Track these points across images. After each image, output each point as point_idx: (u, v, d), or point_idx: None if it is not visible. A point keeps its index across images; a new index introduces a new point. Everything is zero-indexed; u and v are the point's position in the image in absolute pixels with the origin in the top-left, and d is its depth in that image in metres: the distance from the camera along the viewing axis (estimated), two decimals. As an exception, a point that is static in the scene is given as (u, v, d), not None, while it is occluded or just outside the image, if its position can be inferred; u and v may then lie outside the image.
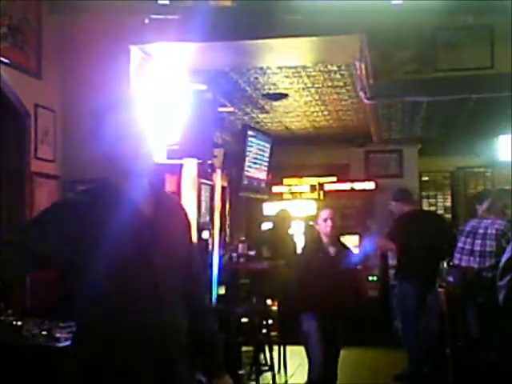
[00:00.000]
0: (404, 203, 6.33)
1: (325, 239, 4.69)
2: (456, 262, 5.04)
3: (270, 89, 6.71)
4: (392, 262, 8.90)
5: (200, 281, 2.38)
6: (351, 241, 9.10)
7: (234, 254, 7.13)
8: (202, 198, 7.50)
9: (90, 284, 2.05)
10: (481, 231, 4.92)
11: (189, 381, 2.19)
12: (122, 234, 2.04)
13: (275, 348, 6.32)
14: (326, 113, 8.02)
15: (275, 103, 7.39)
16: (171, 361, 2.08)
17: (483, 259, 4.81)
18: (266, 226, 8.49)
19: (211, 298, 5.23)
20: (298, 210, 8.80)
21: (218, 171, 8.42)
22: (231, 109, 7.50)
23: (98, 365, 2.05)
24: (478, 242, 4.89)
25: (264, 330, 6.06)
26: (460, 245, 5.05)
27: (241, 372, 5.32)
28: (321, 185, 9.64)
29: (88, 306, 2.08)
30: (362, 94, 5.70)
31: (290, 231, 7.85)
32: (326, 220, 4.64)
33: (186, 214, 2.33)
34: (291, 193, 9.95)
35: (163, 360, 2.06)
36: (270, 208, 9.28)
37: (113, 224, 2.04)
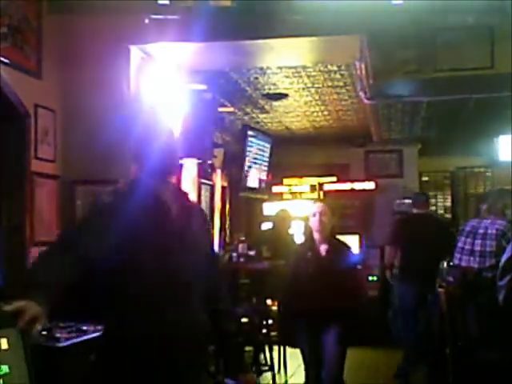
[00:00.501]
0: (415, 206, 6.45)
1: (316, 236, 4.28)
2: (456, 261, 5.04)
3: (270, 89, 6.71)
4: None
5: (219, 283, 2.52)
6: (351, 241, 9.15)
7: (234, 254, 7.12)
8: (202, 197, 7.50)
9: (124, 281, 2.16)
10: (481, 231, 4.92)
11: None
12: (151, 231, 2.17)
13: (275, 348, 6.32)
14: (326, 113, 8.02)
15: (275, 103, 7.39)
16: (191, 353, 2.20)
17: (483, 259, 4.81)
18: (266, 226, 8.48)
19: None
20: (298, 210, 8.79)
21: (218, 171, 8.43)
22: (231, 109, 7.50)
23: (128, 359, 2.15)
24: (478, 241, 4.89)
25: (264, 330, 6.06)
26: (460, 245, 5.05)
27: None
28: (321, 185, 9.64)
29: (122, 303, 2.18)
30: (362, 94, 5.70)
31: (290, 231, 7.85)
32: (315, 215, 4.26)
33: (206, 217, 2.49)
34: (291, 193, 9.95)
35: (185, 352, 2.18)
36: (270, 208, 9.28)
37: (143, 222, 2.16)
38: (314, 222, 4.27)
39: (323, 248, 4.29)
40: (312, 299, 4.08)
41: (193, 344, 2.21)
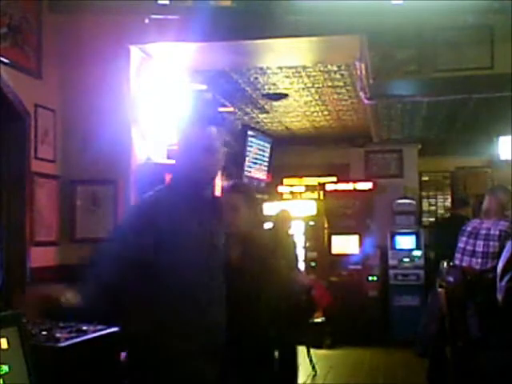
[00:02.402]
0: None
1: None
2: (457, 262, 5.02)
3: (270, 89, 6.71)
4: (392, 262, 8.95)
5: None
6: (351, 241, 9.15)
7: (234, 254, 7.11)
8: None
9: (157, 282, 2.21)
10: (483, 232, 4.90)
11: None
12: (185, 234, 2.25)
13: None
14: (326, 113, 8.02)
15: (275, 103, 7.39)
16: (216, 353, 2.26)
17: (485, 260, 4.79)
18: (266, 226, 8.48)
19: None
20: (298, 210, 8.79)
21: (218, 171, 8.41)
22: (231, 109, 7.50)
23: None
24: (481, 243, 4.86)
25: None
26: (461, 245, 5.02)
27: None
28: (321, 185, 9.64)
29: (153, 304, 2.23)
30: (362, 94, 5.70)
31: (290, 231, 7.84)
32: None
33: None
34: (291, 193, 9.95)
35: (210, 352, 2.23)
36: (270, 208, 9.27)
37: (178, 225, 2.24)
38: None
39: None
40: None
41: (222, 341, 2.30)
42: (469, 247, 4.94)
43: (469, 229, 5.05)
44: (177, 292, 2.19)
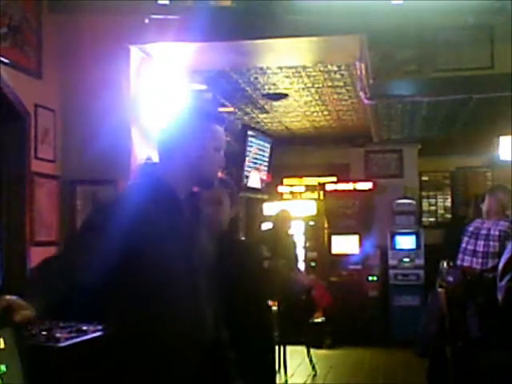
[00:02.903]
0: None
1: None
2: (458, 262, 5.03)
3: (270, 89, 6.71)
4: (392, 262, 8.95)
5: None
6: (351, 241, 9.16)
7: (234, 254, 7.11)
8: (202, 197, 7.49)
9: (138, 283, 2.08)
10: (483, 232, 4.91)
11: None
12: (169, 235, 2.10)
13: (275, 348, 6.32)
14: (326, 113, 8.02)
15: (275, 103, 7.39)
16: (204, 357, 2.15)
17: (486, 260, 4.80)
18: (266, 226, 8.48)
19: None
20: (297, 209, 8.79)
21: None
22: (231, 109, 7.50)
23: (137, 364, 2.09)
24: (481, 243, 4.87)
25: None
26: (463, 245, 5.04)
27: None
28: (321, 185, 9.64)
29: (134, 305, 2.10)
30: (362, 94, 5.70)
31: (290, 231, 7.85)
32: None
33: None
34: (291, 193, 9.95)
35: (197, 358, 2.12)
36: (270, 208, 9.28)
37: (162, 225, 2.10)
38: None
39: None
40: None
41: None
42: (470, 247, 4.95)
43: (470, 229, 5.06)
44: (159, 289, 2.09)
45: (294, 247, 7.71)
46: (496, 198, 5.10)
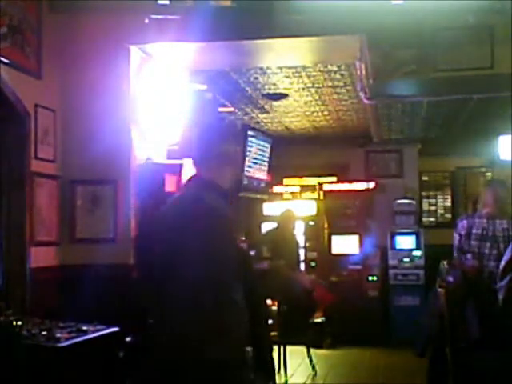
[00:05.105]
0: None
1: None
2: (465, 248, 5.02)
3: (270, 89, 6.71)
4: (392, 262, 8.95)
5: None
6: (351, 241, 9.15)
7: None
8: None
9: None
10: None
11: None
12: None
13: (275, 348, 6.32)
14: (326, 113, 8.02)
15: (275, 103, 7.39)
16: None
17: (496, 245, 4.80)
18: (270, 225, 8.48)
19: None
20: (297, 210, 8.79)
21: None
22: (231, 109, 7.50)
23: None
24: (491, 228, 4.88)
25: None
26: (462, 232, 5.05)
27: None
28: (321, 185, 9.64)
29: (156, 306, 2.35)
30: (362, 94, 5.70)
31: (295, 231, 7.85)
32: None
33: None
34: (291, 193, 9.95)
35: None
36: (270, 208, 9.28)
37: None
38: None
39: None
40: None
41: None
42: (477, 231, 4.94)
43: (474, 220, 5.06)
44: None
45: (297, 247, 7.73)
46: (493, 190, 5.08)
